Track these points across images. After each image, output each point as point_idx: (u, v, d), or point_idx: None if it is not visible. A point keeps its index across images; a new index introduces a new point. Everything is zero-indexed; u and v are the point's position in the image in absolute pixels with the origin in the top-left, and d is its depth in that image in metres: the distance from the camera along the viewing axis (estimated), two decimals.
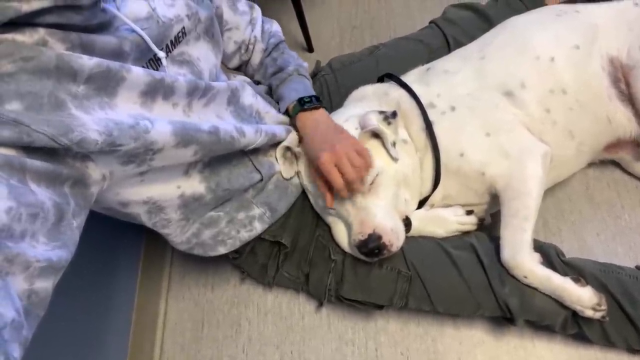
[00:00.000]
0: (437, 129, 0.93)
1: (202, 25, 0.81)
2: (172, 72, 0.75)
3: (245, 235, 0.92)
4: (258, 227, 0.92)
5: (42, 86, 0.56)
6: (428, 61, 1.11)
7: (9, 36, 0.56)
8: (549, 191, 1.11)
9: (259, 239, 0.95)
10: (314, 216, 0.98)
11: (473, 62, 1.01)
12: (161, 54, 0.73)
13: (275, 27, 1.06)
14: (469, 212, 0.96)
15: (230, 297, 1.16)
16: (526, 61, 0.96)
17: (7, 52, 0.55)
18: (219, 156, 0.82)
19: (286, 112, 0.97)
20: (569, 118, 0.95)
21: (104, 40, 0.64)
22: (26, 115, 0.53)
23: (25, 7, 0.56)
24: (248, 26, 0.98)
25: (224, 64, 1.01)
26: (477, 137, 0.92)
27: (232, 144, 0.79)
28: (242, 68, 1.06)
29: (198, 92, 0.76)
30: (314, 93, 0.96)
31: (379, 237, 0.84)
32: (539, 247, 0.91)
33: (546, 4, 1.16)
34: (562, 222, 1.11)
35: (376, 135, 0.90)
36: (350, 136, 0.87)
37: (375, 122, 0.89)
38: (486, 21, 1.17)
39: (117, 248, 1.10)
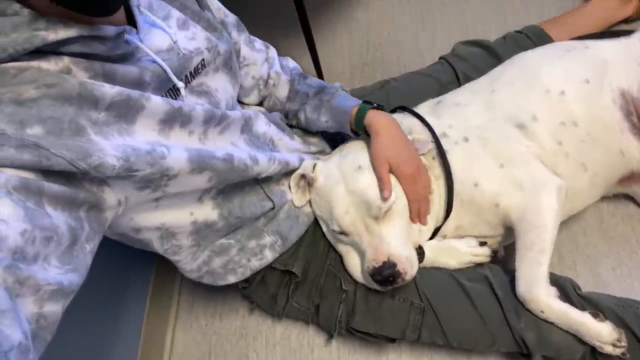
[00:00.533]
0: (450, 158, 0.93)
1: (221, 58, 0.84)
2: (191, 102, 0.77)
3: (256, 263, 0.91)
4: (269, 256, 0.91)
5: (64, 112, 0.58)
6: (438, 95, 1.13)
7: (34, 63, 0.58)
8: (564, 224, 1.10)
9: (269, 268, 0.94)
10: (326, 245, 0.97)
11: (483, 95, 1.02)
12: (180, 85, 0.75)
13: (292, 62, 1.09)
14: (483, 244, 0.95)
15: (239, 328, 1.15)
16: (536, 94, 0.97)
17: (31, 79, 0.57)
18: (232, 184, 0.82)
19: (349, 128, 0.96)
20: (582, 150, 0.95)
21: (126, 70, 0.67)
22: (46, 140, 0.54)
23: (52, 36, 0.58)
24: (264, 63, 1.01)
25: (243, 100, 1.02)
26: (491, 168, 0.92)
27: (246, 171, 0.80)
28: (264, 104, 1.07)
29: (214, 121, 0.78)
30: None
31: (394, 265, 0.83)
32: (555, 280, 0.89)
33: (554, 42, 1.19)
34: (577, 256, 1.09)
35: None
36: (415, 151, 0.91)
37: None
38: (495, 57, 1.20)
39: (126, 276, 1.09)
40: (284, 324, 1.13)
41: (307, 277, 0.97)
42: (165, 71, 0.72)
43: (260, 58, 1.00)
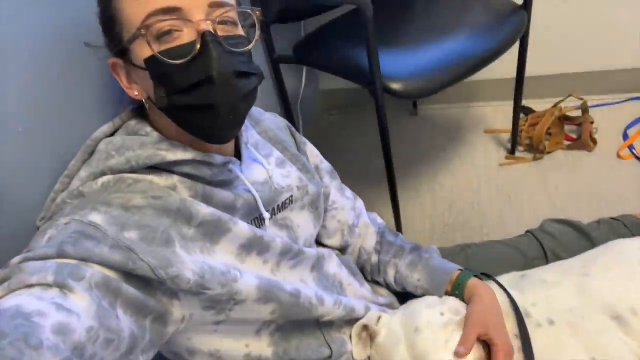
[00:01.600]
0: (532, 341, 0.84)
1: (309, 198, 0.89)
2: (272, 233, 0.81)
3: None
4: None
5: (160, 223, 0.63)
6: (523, 270, 1.06)
7: (148, 177, 0.67)
8: None
9: None
10: None
11: (576, 277, 0.95)
12: (267, 215, 0.79)
13: (379, 218, 1.11)
14: None
15: None
16: (636, 286, 0.88)
17: (142, 189, 0.65)
18: (292, 322, 0.80)
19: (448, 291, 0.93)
20: None
21: (223, 194, 0.73)
22: (138, 245, 0.58)
23: (171, 157, 0.67)
24: (351, 211, 1.04)
25: (325, 241, 1.03)
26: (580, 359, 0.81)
27: (310, 310, 0.78)
28: (346, 251, 1.06)
29: (290, 255, 0.80)
30: None
31: None
32: None
33: None
34: None
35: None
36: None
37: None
38: (588, 241, 1.13)
39: None
40: None
41: None
42: (256, 201, 0.78)
43: (348, 205, 1.03)
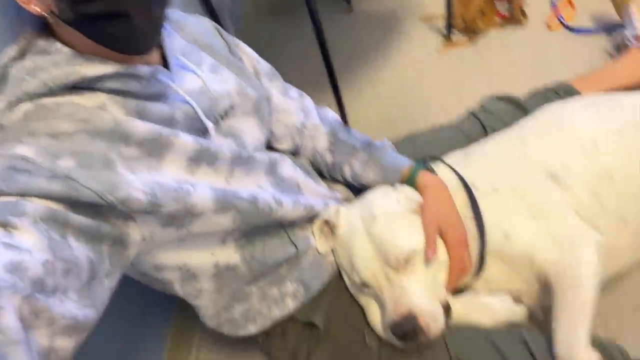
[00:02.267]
0: (480, 209, 0.90)
1: (250, 103, 0.86)
2: (218, 142, 0.78)
3: (277, 313, 0.87)
4: (290, 305, 0.87)
5: (96, 147, 0.59)
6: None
7: (70, 98, 0.61)
8: (607, 287, 1.02)
9: (290, 320, 0.90)
10: (350, 298, 0.93)
11: (514, 146, 1.01)
12: (209, 125, 0.76)
13: (330, 113, 1.09)
14: (518, 302, 0.89)
15: None
16: (568, 145, 0.95)
17: (67, 113, 0.59)
18: (256, 227, 0.81)
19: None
20: (621, 205, 0.90)
21: (158, 108, 0.69)
22: (76, 172, 0.55)
23: (90, 72, 0.61)
24: (299, 111, 1.01)
25: (275, 146, 1.02)
26: (524, 219, 0.88)
27: (270, 214, 0.78)
28: (302, 153, 1.06)
29: (241, 161, 0.79)
30: None
31: (415, 319, 0.77)
32: (601, 347, 0.81)
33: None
34: (623, 321, 1.01)
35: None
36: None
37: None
38: (524, 112, 1.19)
39: (143, 332, 1.06)
40: None
41: (329, 330, 0.91)
42: (195, 111, 0.74)
43: (293, 105, 1.01)
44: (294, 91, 1.02)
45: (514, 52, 1.70)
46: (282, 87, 1.00)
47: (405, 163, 0.95)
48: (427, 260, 0.82)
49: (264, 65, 0.97)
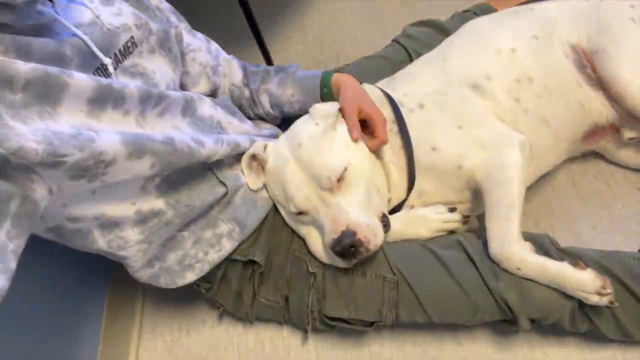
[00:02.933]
0: (407, 126, 0.90)
1: (154, 38, 0.80)
2: (123, 81, 0.72)
3: (215, 256, 0.84)
4: (227, 246, 0.85)
5: None
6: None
7: None
8: (536, 189, 1.06)
9: (230, 261, 0.87)
10: (289, 231, 0.91)
11: (436, 62, 1.01)
12: (107, 60, 0.70)
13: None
14: (452, 210, 0.90)
15: (208, 340, 1.05)
16: (488, 54, 0.96)
17: None
18: (179, 171, 0.77)
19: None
20: (541, 106, 0.93)
21: (42, 42, 0.62)
22: None
23: None
24: (207, 53, 0.97)
25: (192, 89, 0.96)
26: (449, 130, 0.89)
27: (191, 155, 0.74)
28: (217, 93, 1.01)
29: (152, 100, 0.73)
30: None
31: (354, 233, 0.77)
32: (532, 238, 0.84)
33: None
34: (554, 219, 1.05)
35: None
36: None
37: None
38: (445, 34, 1.18)
39: (80, 293, 1.00)
40: (255, 329, 1.04)
41: (271, 266, 0.90)
42: (88, 46, 0.67)
43: (203, 46, 0.96)
44: (200, 35, 0.98)
45: None
46: (189, 28, 0.95)
47: (318, 73, 0.96)
48: (354, 140, 0.85)
49: (166, 4, 0.90)
